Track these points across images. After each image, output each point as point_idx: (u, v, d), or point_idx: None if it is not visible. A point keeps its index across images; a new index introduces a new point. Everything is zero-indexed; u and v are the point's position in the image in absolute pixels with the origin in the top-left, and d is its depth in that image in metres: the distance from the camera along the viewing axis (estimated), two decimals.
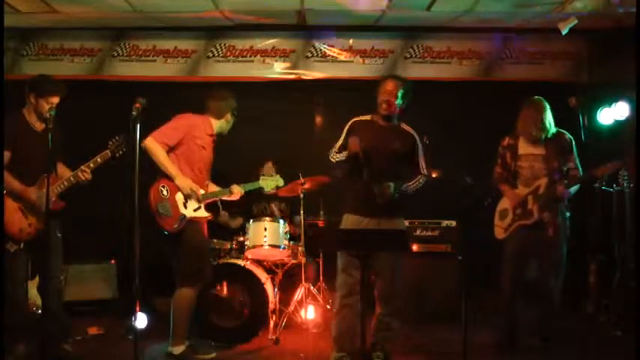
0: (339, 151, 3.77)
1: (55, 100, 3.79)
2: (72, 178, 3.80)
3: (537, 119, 4.07)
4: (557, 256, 4.10)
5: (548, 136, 4.11)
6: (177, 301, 3.95)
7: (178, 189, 3.91)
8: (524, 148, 4.18)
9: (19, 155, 3.70)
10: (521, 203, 4.13)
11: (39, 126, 3.82)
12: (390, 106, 3.73)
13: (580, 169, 4.11)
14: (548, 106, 4.11)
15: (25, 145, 3.69)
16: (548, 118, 4.10)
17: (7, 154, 3.68)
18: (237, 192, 4.19)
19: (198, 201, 3.99)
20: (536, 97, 4.17)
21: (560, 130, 4.18)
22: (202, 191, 4.03)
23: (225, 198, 4.23)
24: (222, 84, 5.78)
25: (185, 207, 3.93)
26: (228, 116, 4.18)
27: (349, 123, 3.85)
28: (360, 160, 3.64)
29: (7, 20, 4.44)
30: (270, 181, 4.35)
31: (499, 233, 4.31)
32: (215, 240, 4.81)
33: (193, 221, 3.96)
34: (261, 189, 4.37)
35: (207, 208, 4.10)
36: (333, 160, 3.80)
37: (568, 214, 4.16)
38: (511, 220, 4.19)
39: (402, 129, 3.86)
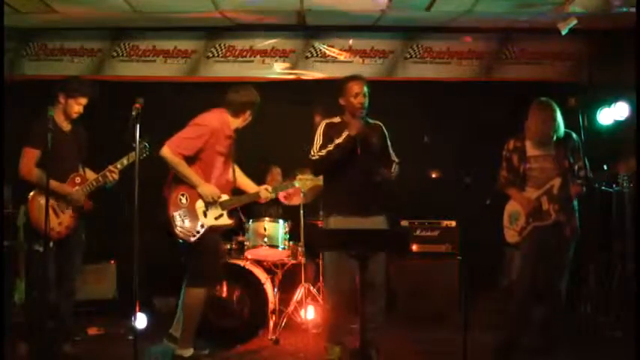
0: (321, 148, 3.78)
1: (84, 101, 3.85)
2: (100, 178, 3.86)
3: (549, 120, 4.03)
4: (568, 256, 4.08)
5: (560, 136, 4.10)
6: (187, 301, 3.88)
7: (199, 196, 3.80)
8: (532, 149, 4.11)
9: (47, 155, 3.71)
10: (535, 205, 4.10)
11: (66, 126, 3.87)
12: (363, 106, 3.81)
13: (589, 169, 4.09)
14: (557, 107, 4.09)
15: (54, 145, 3.66)
16: (559, 118, 4.08)
17: (36, 153, 3.73)
18: (265, 195, 4.04)
19: (222, 208, 3.87)
20: (544, 98, 4.13)
21: (566, 130, 4.16)
22: (226, 197, 3.90)
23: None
24: (222, 84, 5.81)
25: (205, 215, 3.81)
26: (247, 115, 3.96)
27: (323, 124, 3.89)
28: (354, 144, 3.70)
29: (7, 20, 4.44)
30: (308, 181, 4.05)
31: (511, 236, 4.20)
32: None
33: (213, 229, 3.85)
34: (297, 189, 4.18)
35: (230, 214, 3.98)
36: (317, 156, 3.78)
37: (577, 213, 4.15)
38: (525, 222, 4.12)
39: (372, 124, 3.93)
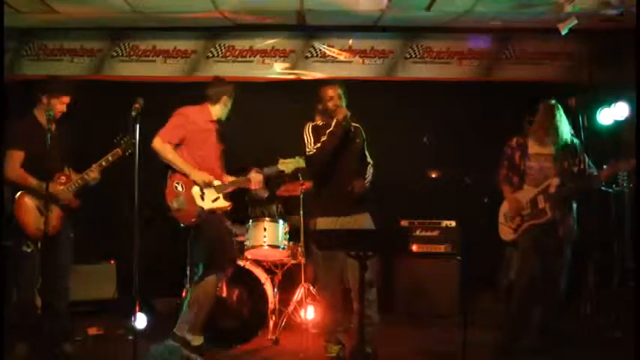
0: (315, 143, 3.96)
1: (66, 100, 3.84)
2: (85, 176, 3.84)
3: (554, 123, 4.08)
4: (565, 256, 4.10)
5: (565, 139, 4.11)
6: (202, 290, 3.92)
7: (194, 183, 3.92)
8: (534, 147, 4.17)
9: (32, 155, 3.72)
10: (532, 203, 4.10)
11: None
12: (340, 110, 3.96)
13: (594, 168, 4.11)
14: (562, 111, 4.11)
15: (37, 146, 3.68)
16: (564, 121, 4.10)
17: (20, 155, 3.71)
18: (256, 179, 4.11)
19: (217, 191, 3.98)
20: (552, 100, 4.16)
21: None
22: (218, 182, 4.01)
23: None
24: None
25: (202, 199, 3.92)
26: (226, 99, 4.13)
27: (308, 126, 4.08)
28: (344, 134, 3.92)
29: (7, 20, 4.43)
30: (289, 164, 4.09)
31: (506, 234, 4.23)
32: None
33: (212, 212, 3.96)
34: (281, 172, 4.16)
35: (226, 197, 4.06)
36: (314, 150, 3.95)
37: (576, 216, 4.17)
38: (520, 220, 4.15)
39: (353, 126, 4.07)
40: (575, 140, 4.17)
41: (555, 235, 4.04)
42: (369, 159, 4.14)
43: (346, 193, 3.91)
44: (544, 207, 4.04)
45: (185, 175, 3.91)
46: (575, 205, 4.13)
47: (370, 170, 4.11)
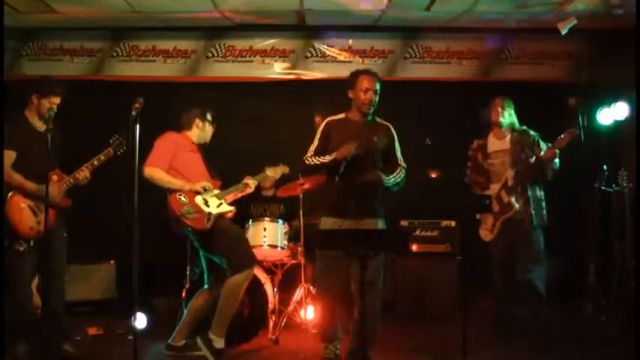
0: (316, 154, 3.75)
1: (57, 100, 3.83)
2: (77, 175, 3.85)
3: (496, 110, 4.35)
4: (534, 244, 4.22)
5: (516, 129, 4.33)
6: (229, 289, 3.90)
7: (194, 193, 3.94)
8: (493, 145, 4.38)
9: (24, 156, 3.73)
10: (498, 199, 4.29)
11: (41, 126, 3.85)
12: (372, 103, 3.69)
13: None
14: (507, 102, 4.38)
15: (29, 146, 3.72)
16: (507, 110, 4.35)
17: (12, 155, 3.71)
18: (252, 184, 4.25)
19: (218, 198, 4.02)
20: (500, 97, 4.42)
21: (525, 128, 4.36)
22: (217, 191, 4.07)
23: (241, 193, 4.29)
24: (222, 84, 5.82)
25: (208, 206, 3.94)
26: (198, 123, 4.16)
27: (324, 123, 3.82)
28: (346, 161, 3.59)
29: (7, 20, 4.44)
30: (277, 169, 4.50)
31: (486, 236, 4.44)
32: None
33: (220, 216, 3.99)
34: (270, 178, 4.64)
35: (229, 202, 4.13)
36: (310, 162, 3.76)
37: (544, 202, 4.30)
38: (493, 219, 4.32)
39: (379, 123, 3.83)
40: (533, 133, 4.27)
41: (521, 225, 4.20)
42: (400, 161, 3.82)
43: (355, 192, 3.64)
44: (509, 200, 4.21)
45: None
46: (541, 193, 4.29)
47: (401, 173, 3.78)
